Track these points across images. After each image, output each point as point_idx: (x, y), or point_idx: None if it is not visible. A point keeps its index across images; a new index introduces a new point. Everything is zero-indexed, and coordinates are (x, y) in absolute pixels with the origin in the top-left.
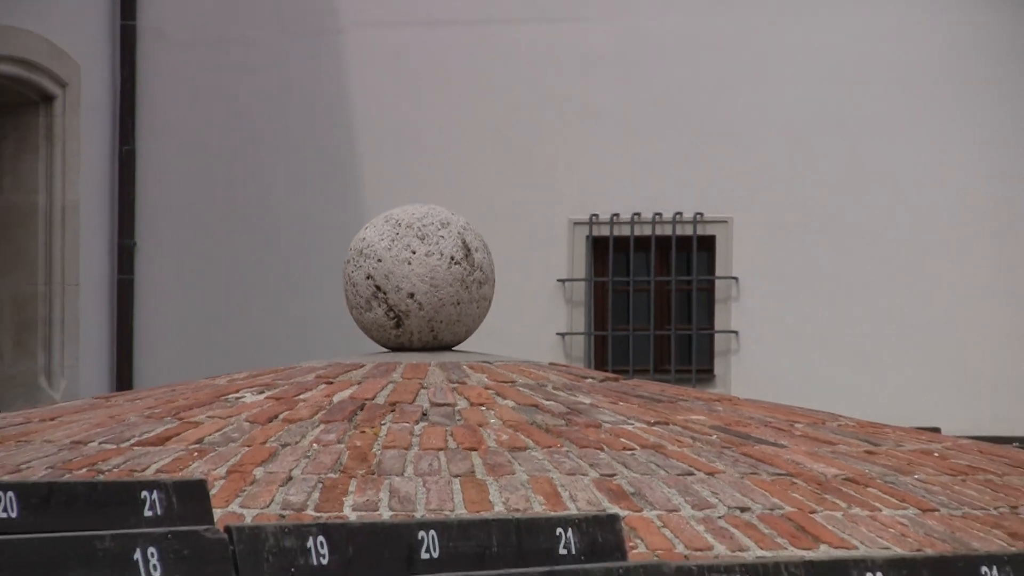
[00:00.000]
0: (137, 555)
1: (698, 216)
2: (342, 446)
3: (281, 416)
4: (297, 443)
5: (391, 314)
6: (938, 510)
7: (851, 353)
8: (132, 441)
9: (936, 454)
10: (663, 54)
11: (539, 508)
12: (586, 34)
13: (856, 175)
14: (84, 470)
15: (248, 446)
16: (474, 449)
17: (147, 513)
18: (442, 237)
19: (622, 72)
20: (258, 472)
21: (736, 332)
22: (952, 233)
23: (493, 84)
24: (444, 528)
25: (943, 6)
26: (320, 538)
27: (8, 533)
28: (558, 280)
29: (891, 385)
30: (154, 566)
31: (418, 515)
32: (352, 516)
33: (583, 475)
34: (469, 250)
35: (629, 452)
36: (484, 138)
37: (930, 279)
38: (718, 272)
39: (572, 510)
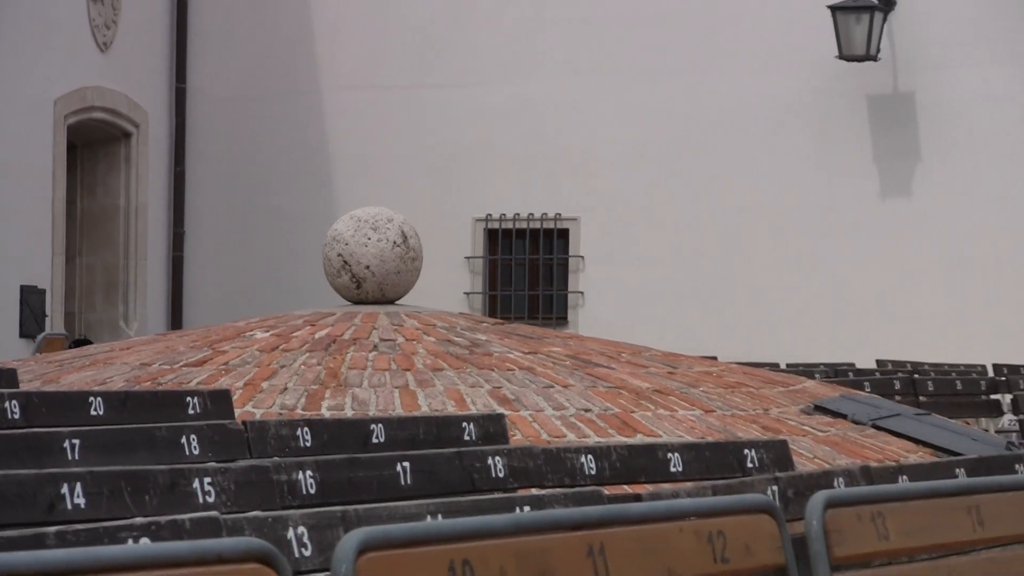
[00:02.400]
0: (183, 440)
1: (558, 215)
2: (320, 367)
3: (280, 347)
4: (291, 365)
5: (354, 280)
6: (715, 411)
7: (658, 305)
8: (180, 363)
9: (714, 373)
10: (538, 109)
11: (451, 409)
12: (486, 94)
13: (662, 189)
14: (148, 383)
15: (258, 367)
16: (408, 370)
17: (190, 412)
18: (388, 228)
19: (510, 121)
20: (264, 384)
21: (582, 292)
22: (733, 221)
23: (427, 129)
24: (388, 422)
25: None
26: (305, 428)
27: (97, 425)
28: (465, 257)
29: (684, 326)
30: (194, 447)
31: (370, 413)
32: (327, 414)
33: (480, 387)
34: (406, 237)
35: (511, 372)
36: (418, 164)
37: (710, 254)
38: (571, 253)
39: (473, 411)
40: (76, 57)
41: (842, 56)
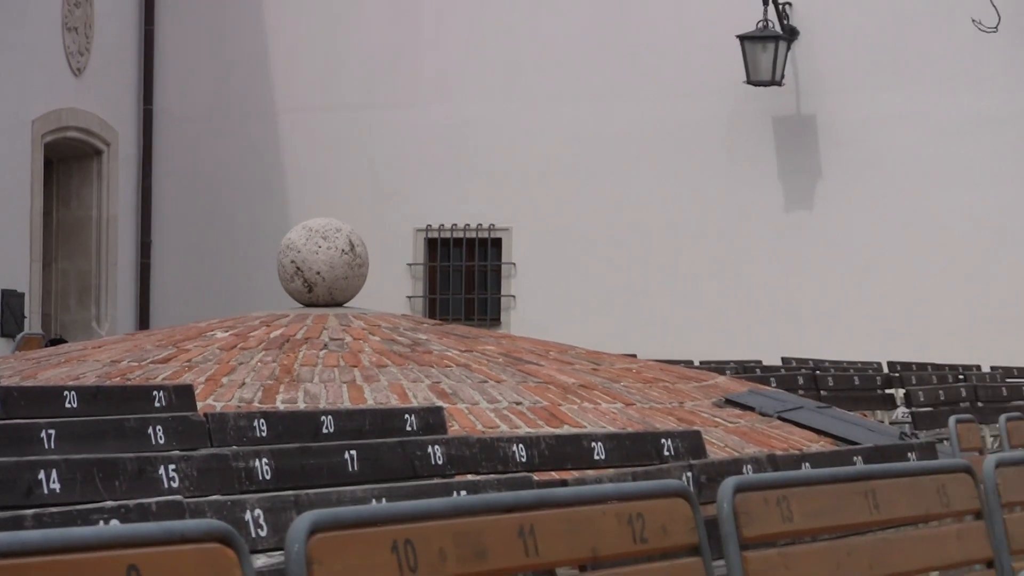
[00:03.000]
0: (150, 430)
1: (491, 226)
2: (275, 364)
3: (238, 346)
4: (248, 362)
5: (305, 284)
6: (635, 404)
7: (583, 307)
8: (147, 361)
9: (634, 370)
10: (473, 129)
11: (394, 402)
12: (426, 115)
13: (587, 202)
14: (118, 378)
15: (218, 364)
16: (355, 366)
17: (156, 405)
18: (337, 238)
19: (448, 140)
20: (224, 380)
21: (514, 296)
22: (651, 231)
23: (372, 147)
24: (337, 414)
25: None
26: (261, 420)
27: (71, 417)
28: (407, 264)
29: (606, 326)
30: (160, 437)
31: (321, 406)
32: (281, 407)
33: (421, 382)
34: (353, 246)
35: (449, 368)
36: (364, 178)
37: (630, 261)
38: (503, 260)
39: (414, 404)
40: (52, 81)
41: (750, 81)
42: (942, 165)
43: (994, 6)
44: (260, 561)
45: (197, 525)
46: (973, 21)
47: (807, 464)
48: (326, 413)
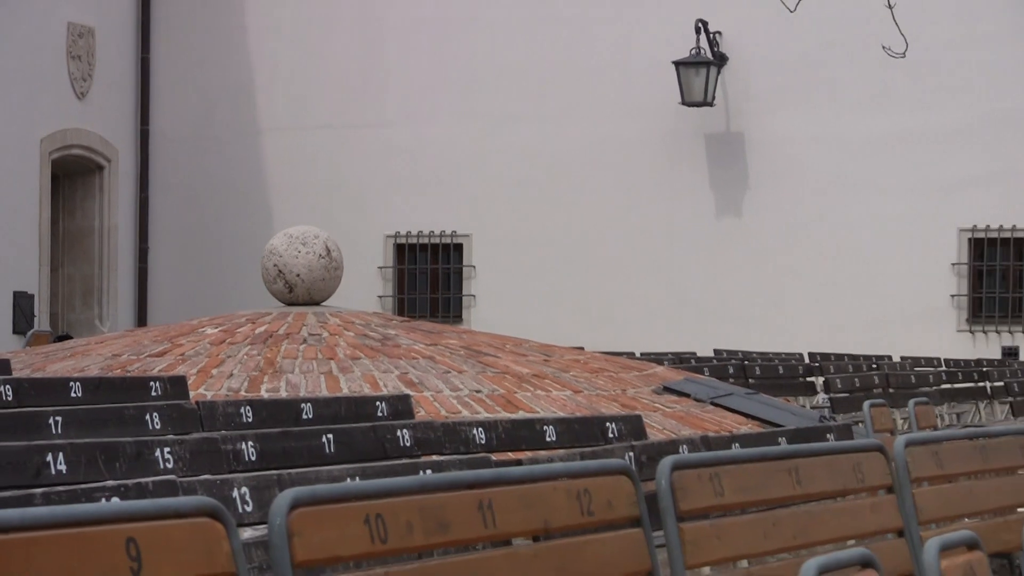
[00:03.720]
0: (147, 417)
1: (454, 232)
2: (260, 357)
3: (226, 341)
4: (235, 355)
5: (287, 285)
6: (583, 391)
7: (536, 305)
8: (145, 355)
9: (582, 361)
10: (437, 146)
11: (367, 391)
12: (395, 134)
13: (539, 211)
14: (118, 370)
15: (208, 357)
16: (332, 359)
17: (152, 394)
18: (315, 244)
19: (414, 155)
20: (214, 371)
21: (474, 295)
22: (596, 237)
23: (347, 163)
24: (316, 402)
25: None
26: (247, 407)
27: (76, 405)
28: (378, 267)
29: (557, 322)
30: (156, 423)
31: (301, 395)
32: (265, 395)
33: (391, 373)
34: (329, 251)
35: (415, 360)
36: (339, 191)
37: (577, 264)
38: (464, 263)
39: (384, 392)
40: (58, 104)
41: (684, 102)
42: (855, 178)
43: (902, 35)
44: (246, 534)
45: (189, 502)
46: (883, 48)
47: (737, 444)
48: (305, 401)
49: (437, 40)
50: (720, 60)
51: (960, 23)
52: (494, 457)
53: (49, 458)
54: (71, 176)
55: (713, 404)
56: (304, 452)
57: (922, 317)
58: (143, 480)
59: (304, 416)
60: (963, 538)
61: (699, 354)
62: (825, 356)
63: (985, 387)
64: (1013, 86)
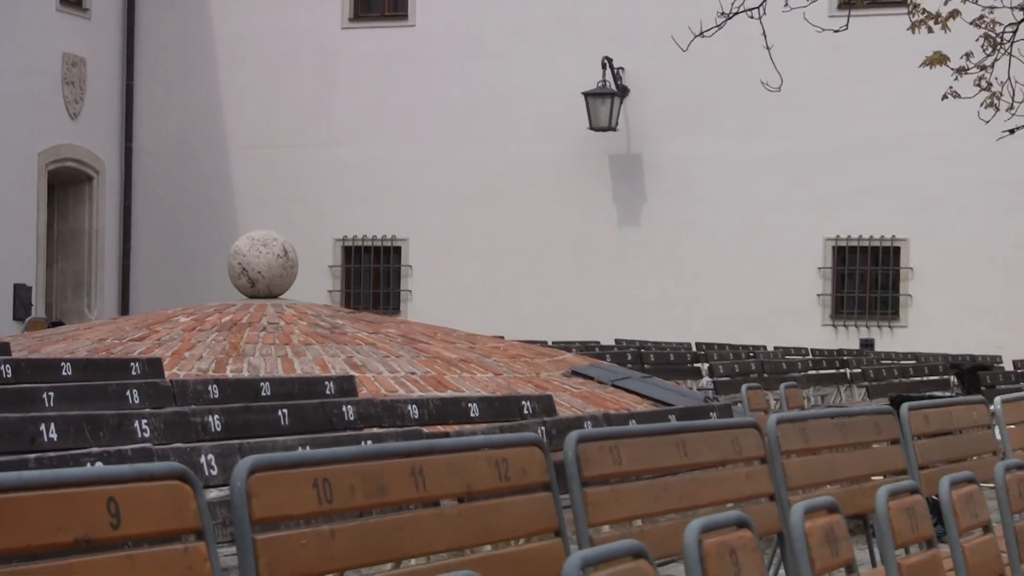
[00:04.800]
0: (127, 393)
1: (394, 237)
2: (226, 342)
3: (197, 328)
4: (204, 340)
5: (249, 281)
6: (502, 374)
7: (463, 299)
8: (127, 339)
9: (502, 348)
10: (381, 162)
11: (317, 372)
12: (345, 152)
13: (467, 220)
14: (103, 353)
15: (181, 342)
16: (287, 344)
17: (133, 374)
18: (274, 245)
19: (361, 171)
20: (186, 354)
21: (410, 291)
22: (515, 243)
23: (303, 176)
24: (273, 382)
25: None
26: (214, 385)
27: (67, 382)
28: (328, 266)
29: (481, 314)
30: (135, 399)
31: (261, 375)
32: (230, 375)
33: (338, 357)
34: (286, 251)
35: (359, 346)
36: (296, 200)
37: (498, 265)
38: (403, 263)
39: (332, 373)
40: (54, 123)
41: (591, 127)
42: (736, 194)
43: (777, 72)
44: (212, 494)
45: (162, 467)
46: (762, 83)
47: (633, 421)
48: (264, 380)
49: (381, 72)
50: (623, 91)
51: (827, 63)
52: (426, 430)
53: (42, 428)
54: (64, 185)
55: (614, 386)
56: (262, 424)
57: (792, 313)
58: (123, 447)
59: (263, 393)
60: (824, 503)
61: (602, 343)
62: (710, 345)
63: (845, 373)
64: (870, 117)
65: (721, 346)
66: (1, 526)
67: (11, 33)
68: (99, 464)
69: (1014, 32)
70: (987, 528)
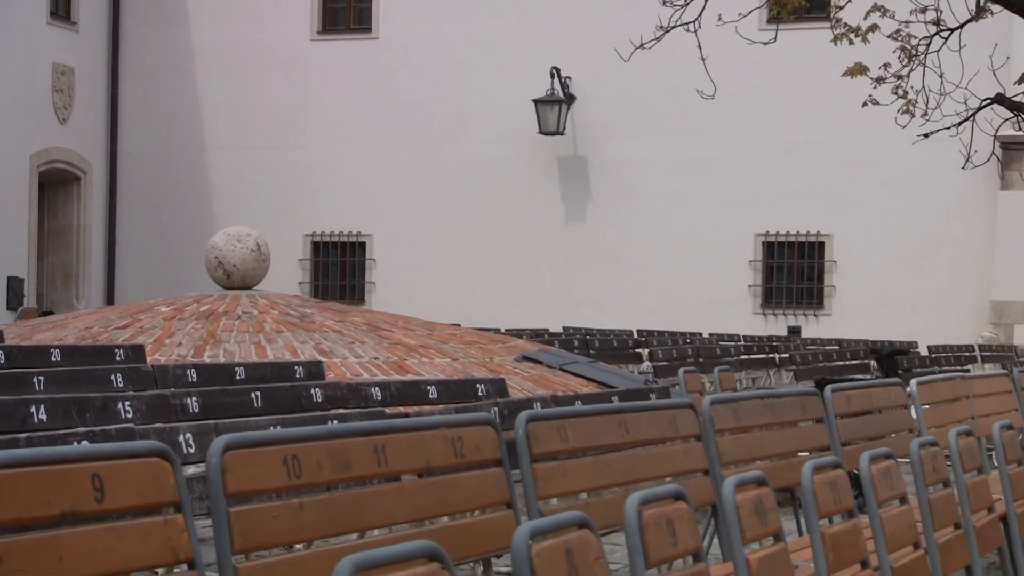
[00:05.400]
0: (112, 377)
1: (359, 233)
2: (204, 330)
3: (176, 317)
4: (184, 328)
5: (225, 273)
6: (459, 359)
7: (423, 290)
8: (112, 327)
9: (458, 335)
10: (347, 163)
11: (287, 357)
12: (312, 154)
13: (426, 216)
14: (90, 340)
15: (162, 330)
16: (260, 332)
17: (117, 359)
18: (248, 240)
19: (329, 170)
20: (167, 341)
21: (374, 282)
22: (470, 237)
23: (276, 176)
24: (247, 366)
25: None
26: (192, 370)
27: (56, 367)
28: (298, 259)
29: (438, 304)
30: (119, 382)
31: (236, 360)
32: (207, 360)
33: (307, 343)
34: (259, 246)
35: (327, 333)
36: (269, 198)
37: (456, 257)
38: (367, 256)
39: (302, 359)
40: (45, 127)
41: (541, 132)
42: (674, 192)
43: (711, 80)
44: (189, 471)
45: (143, 445)
46: (697, 91)
47: (580, 402)
48: (239, 365)
49: (347, 81)
50: (570, 99)
51: (756, 72)
52: (387, 411)
53: (32, 409)
54: (54, 185)
55: (561, 370)
56: (237, 406)
57: (726, 302)
58: (107, 427)
59: (237, 377)
60: (754, 477)
61: (551, 330)
62: (650, 332)
63: (774, 358)
64: (797, 123)
65: (660, 333)
66: None
67: (4, 44)
68: (85, 443)
69: (927, 44)
70: (903, 500)
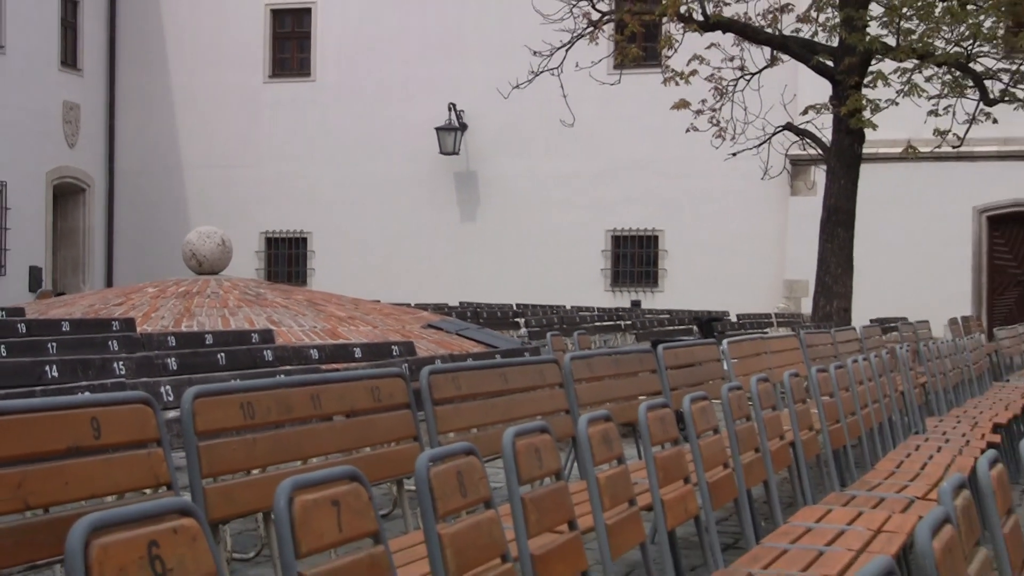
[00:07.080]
0: (109, 343)
1: (302, 230)
2: (182, 306)
3: (160, 296)
4: (166, 305)
5: (198, 262)
6: (378, 327)
7: (350, 275)
8: (110, 304)
9: (378, 309)
10: (292, 178)
11: (246, 327)
12: (263, 172)
13: (355, 218)
14: (93, 314)
15: (149, 306)
16: (225, 307)
17: (113, 329)
18: (215, 236)
19: (279, 184)
20: (153, 315)
21: (315, 268)
22: (387, 235)
23: (238, 187)
24: (214, 334)
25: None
26: (172, 337)
27: (66, 335)
28: (254, 251)
29: (363, 285)
30: (115, 346)
31: (206, 329)
32: (184, 329)
33: (262, 316)
34: (224, 241)
35: (277, 307)
36: (233, 205)
37: (377, 253)
38: (308, 249)
39: (257, 328)
40: (57, 151)
41: (441, 152)
42: (545, 199)
43: (571, 111)
44: (169, 415)
45: (132, 395)
46: (560, 120)
47: (471, 359)
48: (208, 333)
49: (292, 113)
50: (463, 127)
51: (605, 106)
52: (323, 367)
53: (46, 368)
54: (64, 195)
55: (458, 335)
56: (206, 364)
57: (584, 282)
58: (105, 381)
59: (207, 342)
60: (602, 414)
61: (450, 304)
62: (525, 306)
63: (620, 324)
64: (636, 144)
65: (534, 306)
66: (15, 438)
67: (24, 87)
68: (87, 393)
69: (735, 85)
70: (716, 431)
